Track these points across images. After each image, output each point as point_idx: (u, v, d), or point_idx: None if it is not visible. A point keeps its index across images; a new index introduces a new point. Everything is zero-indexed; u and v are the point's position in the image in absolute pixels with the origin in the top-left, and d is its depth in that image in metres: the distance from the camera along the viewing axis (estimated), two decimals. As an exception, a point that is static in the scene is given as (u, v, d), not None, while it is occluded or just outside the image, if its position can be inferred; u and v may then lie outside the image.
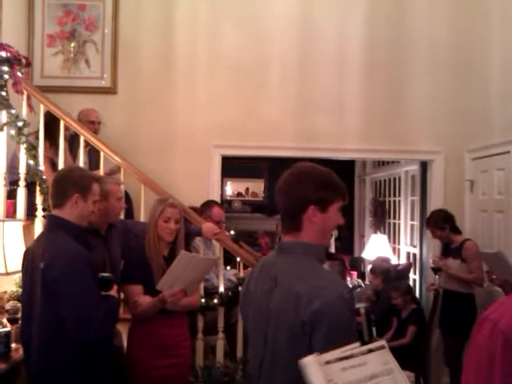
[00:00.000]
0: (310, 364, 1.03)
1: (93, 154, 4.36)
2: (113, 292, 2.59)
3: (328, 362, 1.03)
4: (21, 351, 2.81)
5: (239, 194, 9.79)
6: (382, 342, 1.14)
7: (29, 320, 2.47)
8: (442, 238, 4.61)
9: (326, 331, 1.51)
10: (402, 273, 5.49)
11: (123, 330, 3.23)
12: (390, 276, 5.24)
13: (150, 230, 3.08)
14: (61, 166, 3.82)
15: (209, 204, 4.48)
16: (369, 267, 6.83)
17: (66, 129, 4.02)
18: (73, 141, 4.29)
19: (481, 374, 0.94)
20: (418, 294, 5.52)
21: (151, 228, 3.08)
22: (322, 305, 1.52)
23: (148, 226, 3.12)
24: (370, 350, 1.11)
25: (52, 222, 2.55)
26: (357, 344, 1.12)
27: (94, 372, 2.46)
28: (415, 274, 5.81)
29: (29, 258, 2.51)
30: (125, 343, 3.16)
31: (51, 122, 3.93)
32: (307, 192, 1.68)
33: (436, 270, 4.72)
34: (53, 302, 2.34)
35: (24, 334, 2.53)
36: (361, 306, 4.85)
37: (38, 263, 2.38)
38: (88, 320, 2.35)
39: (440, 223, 4.52)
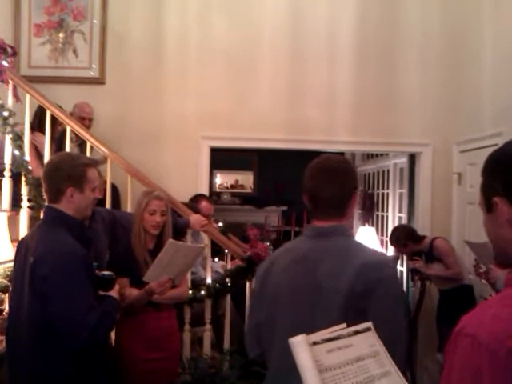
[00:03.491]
0: (299, 344, 1.02)
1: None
2: (113, 292, 2.41)
3: (315, 343, 1.03)
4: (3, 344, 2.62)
5: (229, 186, 9.77)
6: (369, 324, 1.14)
7: (17, 318, 2.29)
8: (407, 253, 4.74)
9: (382, 299, 1.64)
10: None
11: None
12: None
13: (136, 223, 3.08)
14: (46, 155, 3.79)
15: (197, 198, 4.47)
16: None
17: (60, 124, 4.00)
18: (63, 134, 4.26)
19: None
20: (404, 286, 5.54)
21: (137, 221, 3.08)
22: (379, 276, 1.66)
23: (133, 219, 3.11)
24: (357, 332, 1.10)
25: (49, 215, 2.36)
26: (343, 325, 1.12)
27: (89, 379, 2.28)
28: (402, 266, 5.82)
29: (22, 250, 2.35)
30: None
31: (43, 116, 3.91)
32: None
33: (415, 273, 4.75)
34: (41, 302, 2.16)
35: (10, 330, 2.36)
36: None
37: (29, 257, 2.21)
38: (78, 323, 2.13)
39: (401, 241, 4.61)
